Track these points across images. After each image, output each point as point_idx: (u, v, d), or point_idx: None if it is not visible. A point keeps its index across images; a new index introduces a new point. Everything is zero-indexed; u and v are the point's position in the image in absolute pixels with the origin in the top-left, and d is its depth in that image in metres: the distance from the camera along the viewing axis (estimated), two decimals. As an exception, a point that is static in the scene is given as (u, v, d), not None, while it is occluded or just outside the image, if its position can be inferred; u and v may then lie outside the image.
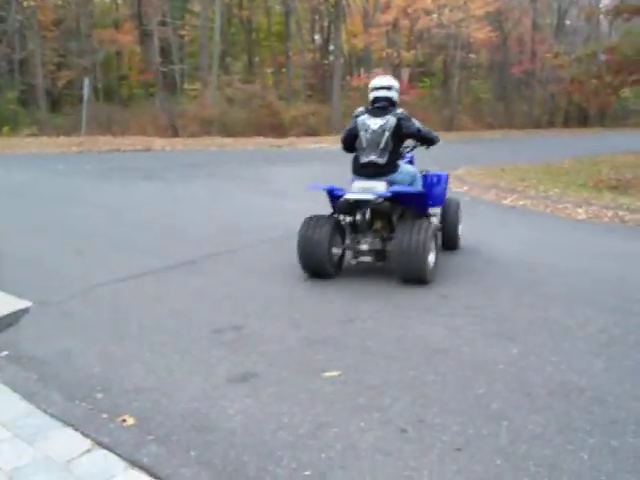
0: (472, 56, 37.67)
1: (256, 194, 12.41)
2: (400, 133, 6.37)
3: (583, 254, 7.71)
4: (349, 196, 6.08)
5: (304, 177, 15.15)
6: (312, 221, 6.23)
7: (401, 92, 23.42)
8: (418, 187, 6.62)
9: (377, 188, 6.11)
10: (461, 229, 7.62)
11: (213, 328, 4.69)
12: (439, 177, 7.31)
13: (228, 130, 27.29)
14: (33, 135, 26.89)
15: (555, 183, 14.12)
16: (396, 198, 6.06)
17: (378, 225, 6.44)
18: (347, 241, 6.44)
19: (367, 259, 6.35)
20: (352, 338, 4.51)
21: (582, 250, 8.05)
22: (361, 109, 6.62)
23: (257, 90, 30.11)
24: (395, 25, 32.77)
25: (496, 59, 43.02)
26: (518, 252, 7.53)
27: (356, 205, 6.25)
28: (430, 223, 6.30)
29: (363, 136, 6.35)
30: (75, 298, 5.52)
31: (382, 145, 6.28)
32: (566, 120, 49.14)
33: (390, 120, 6.30)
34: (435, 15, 31.28)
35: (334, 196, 6.32)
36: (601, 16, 51.48)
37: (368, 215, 6.30)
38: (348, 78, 38.89)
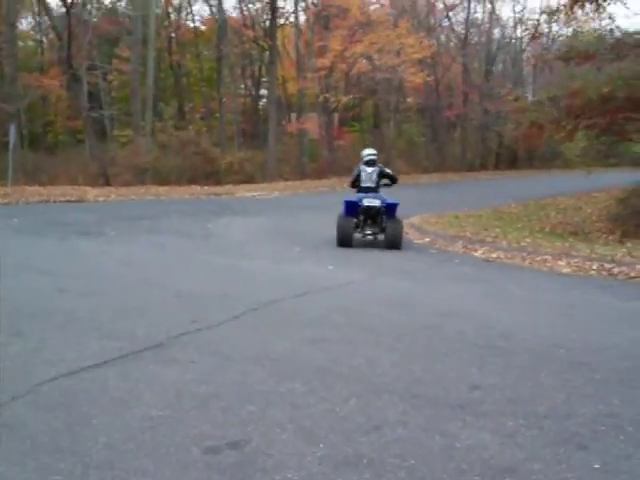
0: (409, 100, 37.55)
1: (209, 252, 11.43)
2: (382, 174, 12.75)
3: (600, 321, 7.04)
4: (367, 204, 12.12)
5: (253, 230, 14.43)
6: (342, 219, 12.18)
7: (334, 137, 23.09)
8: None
9: (377, 200, 12.23)
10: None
11: (205, 446, 3.68)
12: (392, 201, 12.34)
13: (162, 178, 26.20)
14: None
15: (518, 231, 13.68)
16: (385, 206, 12.13)
17: (375, 220, 12.39)
18: (359, 228, 12.43)
19: (370, 237, 12.52)
20: (386, 454, 3.60)
21: (596, 316, 7.37)
22: (362, 163, 12.87)
23: (191, 136, 29.11)
24: (332, 69, 32.35)
25: (428, 103, 43.12)
26: (526, 323, 6.76)
27: (367, 209, 12.17)
28: (401, 221, 12.44)
29: (364, 175, 12.66)
30: (15, 401, 4.46)
31: (373, 179, 12.60)
32: (497, 162, 49.52)
33: (376, 169, 12.74)
34: (372, 58, 30.89)
35: (352, 203, 12.18)
36: (524, 62, 53.12)
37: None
38: (283, 123, 38.31)
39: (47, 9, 29.13)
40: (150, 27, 30.19)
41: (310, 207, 20.09)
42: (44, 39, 42.86)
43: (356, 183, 12.67)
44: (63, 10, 29.63)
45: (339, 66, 32.45)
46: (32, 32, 43.50)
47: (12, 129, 21.67)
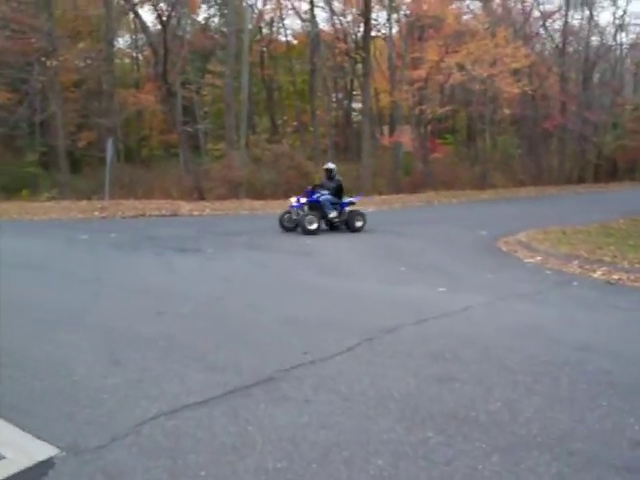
0: (506, 111, 36.42)
1: (311, 271, 10.92)
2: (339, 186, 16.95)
3: None
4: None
5: (354, 247, 13.87)
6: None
7: (431, 149, 23.00)
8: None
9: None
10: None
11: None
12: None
13: (256, 192, 25.96)
14: (53, 199, 25.72)
15: (635, 249, 12.69)
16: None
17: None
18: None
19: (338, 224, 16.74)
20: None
21: None
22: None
23: (285, 150, 28.82)
24: (427, 81, 31.62)
25: (524, 114, 41.78)
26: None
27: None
28: (363, 213, 17.18)
29: (325, 183, 17.09)
30: (117, 441, 4.06)
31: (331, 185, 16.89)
32: (596, 174, 47.70)
33: (335, 181, 16.99)
34: (467, 69, 30.00)
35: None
36: (624, 70, 51.18)
37: None
38: (378, 136, 37.76)
39: (144, 26, 29.44)
40: (244, 42, 30.19)
41: (408, 222, 19.44)
42: (139, 56, 43.67)
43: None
44: (159, 27, 30.02)
45: (435, 77, 31.74)
46: (128, 50, 44.36)
47: (110, 143, 21.79)
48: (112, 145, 22.02)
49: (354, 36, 39.97)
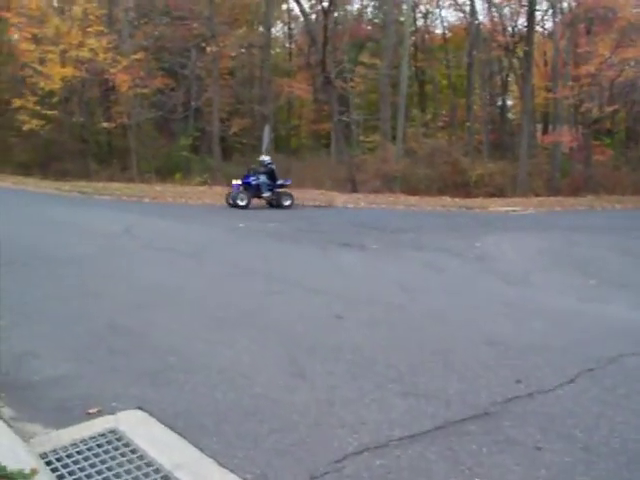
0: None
1: (492, 279, 9.70)
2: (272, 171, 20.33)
3: None
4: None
5: (528, 252, 12.64)
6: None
7: (595, 152, 19.90)
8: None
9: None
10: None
11: None
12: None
13: (410, 187, 25.04)
14: (205, 183, 25.86)
15: None
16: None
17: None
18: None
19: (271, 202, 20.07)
20: None
21: None
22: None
23: (441, 145, 27.76)
24: (594, 77, 29.64)
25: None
26: None
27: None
28: (290, 194, 20.34)
29: (260, 170, 20.25)
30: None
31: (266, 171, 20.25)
32: None
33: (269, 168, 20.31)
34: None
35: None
36: None
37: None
38: (537, 135, 35.97)
39: (304, 13, 29.03)
40: (405, 32, 29.34)
41: (577, 228, 17.95)
42: (292, 45, 43.61)
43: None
44: (313, 16, 29.68)
45: (604, 74, 29.66)
46: (281, 39, 44.44)
47: (267, 130, 21.51)
48: (269, 131, 21.72)
49: (512, 29, 38.23)
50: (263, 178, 20.16)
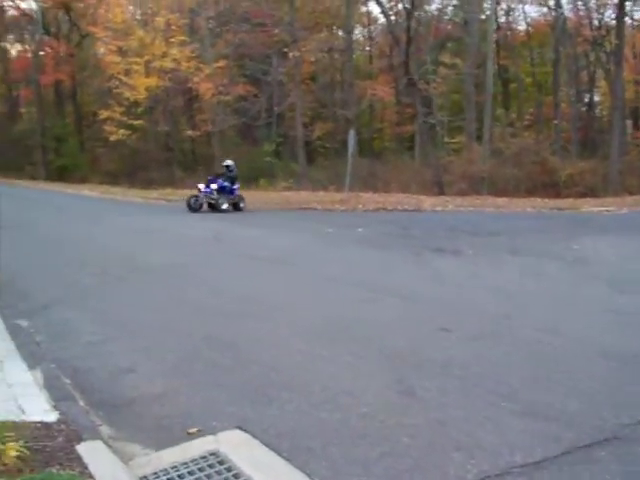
0: None
1: (599, 287, 8.90)
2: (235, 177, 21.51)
3: None
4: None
5: (631, 255, 11.94)
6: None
7: None
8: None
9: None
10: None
11: None
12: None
13: (498, 188, 24.44)
14: (290, 188, 25.88)
15: None
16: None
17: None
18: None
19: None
20: None
21: None
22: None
23: (529, 144, 27.02)
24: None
25: None
26: None
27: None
28: (242, 197, 21.78)
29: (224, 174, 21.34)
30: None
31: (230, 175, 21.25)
32: None
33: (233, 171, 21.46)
34: None
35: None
36: None
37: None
38: (630, 132, 34.74)
39: (386, 14, 28.77)
40: (489, 31, 28.80)
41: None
42: (372, 48, 43.40)
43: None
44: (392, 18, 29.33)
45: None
46: (361, 41, 44.28)
47: (352, 134, 21.30)
48: (354, 136, 21.51)
49: (598, 22, 37.02)
50: (228, 182, 21.14)
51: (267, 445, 4.15)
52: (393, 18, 33.42)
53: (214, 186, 20.81)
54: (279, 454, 4.02)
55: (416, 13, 33.19)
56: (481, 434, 4.10)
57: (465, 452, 3.85)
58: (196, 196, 20.76)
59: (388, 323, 6.84)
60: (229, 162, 21.96)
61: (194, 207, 20.48)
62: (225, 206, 20.68)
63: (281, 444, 4.12)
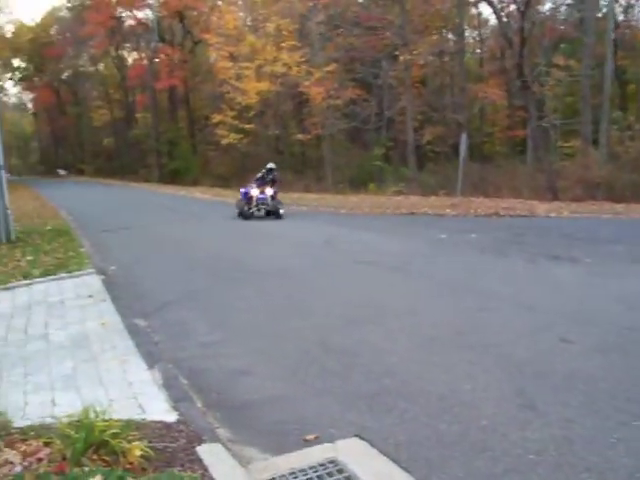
0: None
1: None
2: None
3: None
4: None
5: None
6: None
7: None
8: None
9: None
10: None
11: None
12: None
13: (615, 194, 23.48)
14: (400, 193, 25.75)
15: None
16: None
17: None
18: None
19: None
20: None
21: None
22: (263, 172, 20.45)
23: (650, 149, 25.87)
24: None
25: None
26: None
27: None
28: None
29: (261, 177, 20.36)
30: None
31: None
32: None
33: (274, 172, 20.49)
34: None
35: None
36: None
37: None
38: None
39: (498, 15, 28.16)
40: (607, 30, 27.81)
41: None
42: (483, 50, 42.71)
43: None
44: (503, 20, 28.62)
45: None
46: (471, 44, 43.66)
47: (464, 138, 20.98)
48: (466, 140, 21.19)
49: None
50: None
51: (386, 455, 4.12)
52: (505, 20, 32.74)
53: (270, 192, 19.84)
54: (399, 465, 3.99)
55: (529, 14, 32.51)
56: (612, 455, 3.96)
57: (596, 474, 3.74)
58: (249, 203, 19.68)
59: (504, 332, 6.71)
60: (272, 165, 20.93)
61: (258, 215, 19.46)
62: (282, 211, 19.79)
63: (400, 454, 4.10)
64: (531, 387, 5.11)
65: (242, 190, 20.56)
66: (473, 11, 39.52)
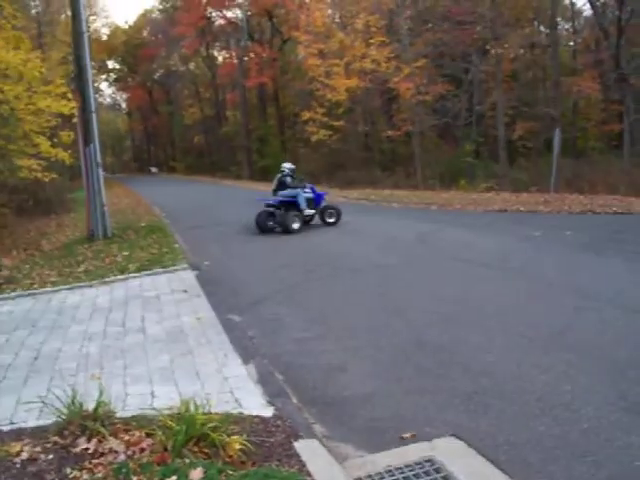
0: None
1: None
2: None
3: None
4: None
5: None
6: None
7: None
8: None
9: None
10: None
11: None
12: (319, 195, 16.95)
13: None
14: (491, 189, 25.36)
15: None
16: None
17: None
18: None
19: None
20: None
21: None
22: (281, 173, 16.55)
23: None
24: None
25: None
26: None
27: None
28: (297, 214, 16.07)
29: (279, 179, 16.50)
30: None
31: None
32: None
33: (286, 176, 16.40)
34: None
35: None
36: None
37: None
38: None
39: (593, 5, 27.36)
40: None
41: None
42: (577, 42, 41.60)
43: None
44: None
45: None
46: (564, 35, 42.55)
47: (557, 133, 20.50)
48: (559, 135, 20.68)
49: None
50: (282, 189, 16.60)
51: (484, 455, 4.09)
52: (600, 10, 31.81)
53: (309, 195, 16.59)
54: (497, 466, 3.95)
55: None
56: None
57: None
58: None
59: (604, 333, 6.56)
60: (288, 165, 17.05)
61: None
62: (310, 213, 16.59)
63: (498, 455, 4.07)
64: (635, 391, 4.98)
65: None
66: (566, 1, 38.50)
